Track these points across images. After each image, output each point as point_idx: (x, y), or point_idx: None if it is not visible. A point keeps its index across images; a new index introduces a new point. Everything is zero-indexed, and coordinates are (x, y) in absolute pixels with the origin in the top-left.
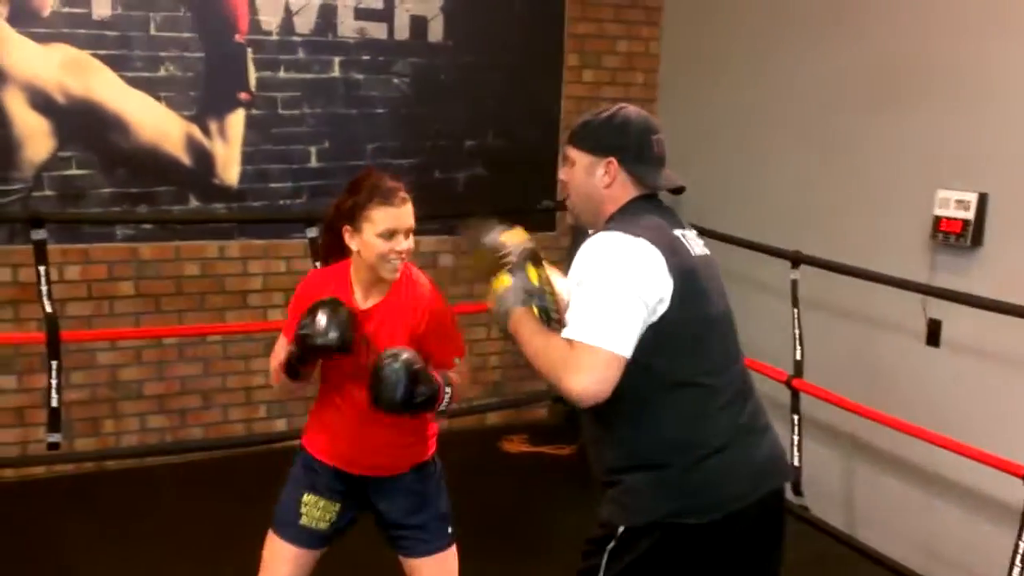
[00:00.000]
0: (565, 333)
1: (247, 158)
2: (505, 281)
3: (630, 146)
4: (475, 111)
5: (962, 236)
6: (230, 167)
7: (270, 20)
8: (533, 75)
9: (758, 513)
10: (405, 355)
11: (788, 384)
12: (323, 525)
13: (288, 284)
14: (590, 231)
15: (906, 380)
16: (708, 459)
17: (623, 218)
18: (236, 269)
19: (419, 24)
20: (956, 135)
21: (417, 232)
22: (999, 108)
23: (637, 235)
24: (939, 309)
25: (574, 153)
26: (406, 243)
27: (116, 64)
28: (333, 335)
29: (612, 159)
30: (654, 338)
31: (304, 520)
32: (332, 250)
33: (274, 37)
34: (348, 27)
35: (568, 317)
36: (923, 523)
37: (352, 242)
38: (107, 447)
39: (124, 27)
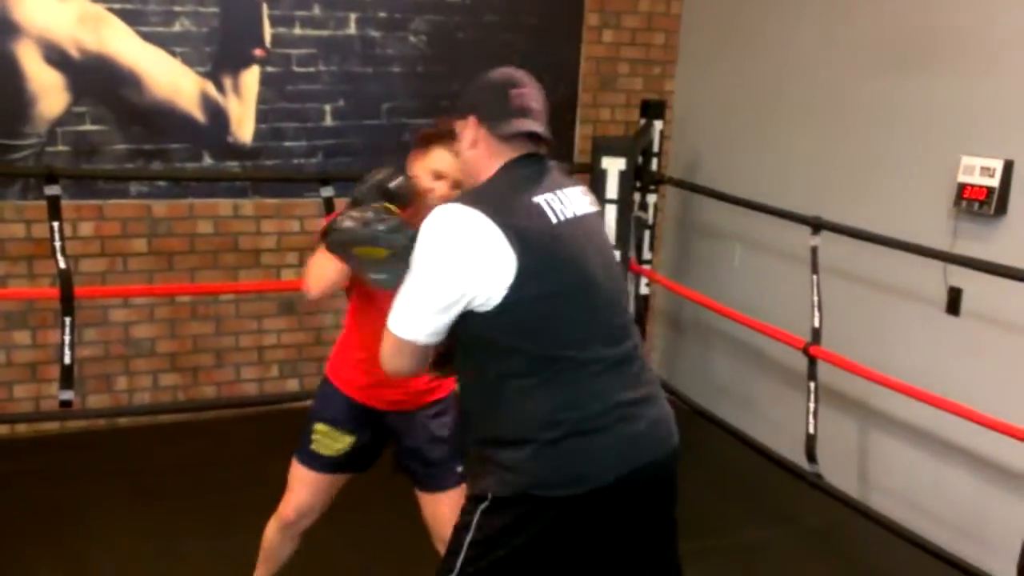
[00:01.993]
0: (388, 322)
1: (261, 116)
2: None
3: (487, 102)
4: (493, 71)
5: (986, 204)
6: (244, 125)
7: None
8: (552, 35)
9: (634, 485)
10: None
11: (805, 351)
12: (335, 453)
13: (302, 243)
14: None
15: (925, 348)
16: (573, 437)
17: (485, 184)
18: (250, 228)
19: None
20: (982, 101)
21: None
22: None
23: (476, 207)
24: (960, 277)
25: (455, 124)
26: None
27: (131, 19)
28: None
29: (471, 116)
30: (507, 317)
31: (315, 447)
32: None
33: None
34: None
35: (393, 302)
36: (938, 492)
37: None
38: (119, 404)
39: None
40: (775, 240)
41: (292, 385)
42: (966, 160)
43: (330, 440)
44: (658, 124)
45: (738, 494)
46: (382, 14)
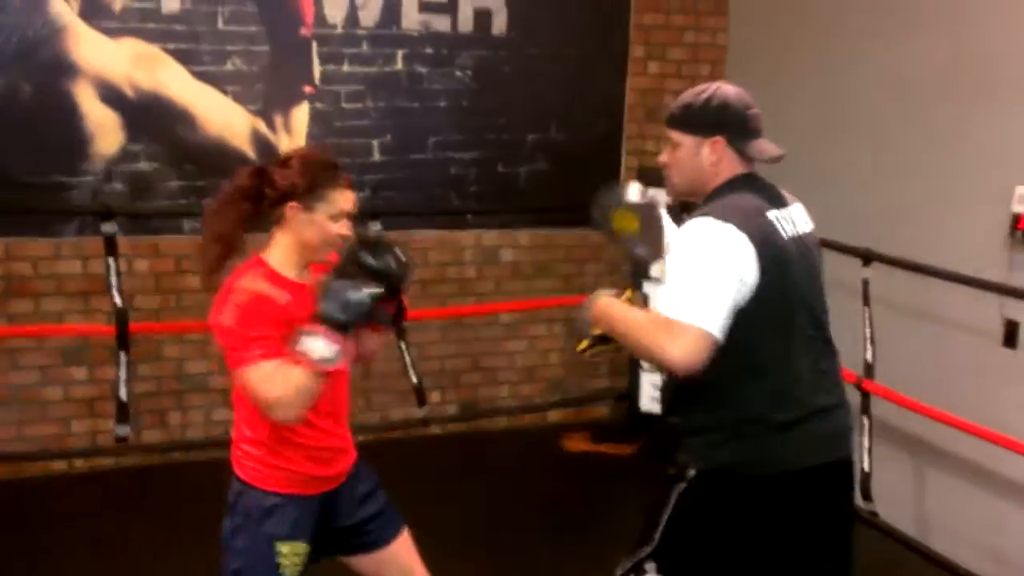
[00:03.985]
0: (664, 312)
1: None
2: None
3: (733, 124)
4: (538, 104)
5: None
6: None
7: (335, 13)
8: (597, 67)
9: (822, 477)
10: None
11: (858, 386)
12: (301, 566)
13: None
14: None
15: (981, 383)
16: (781, 430)
17: (719, 199)
18: None
19: (483, 17)
20: None
21: (478, 226)
22: None
23: (727, 220)
24: (1017, 310)
25: (677, 136)
26: (349, 229)
27: (184, 58)
28: (393, 262)
29: (719, 138)
30: (740, 321)
31: (285, 571)
32: (238, 226)
33: (338, 30)
34: (412, 20)
35: (664, 299)
36: (995, 530)
37: (295, 220)
38: (173, 439)
39: (192, 21)
40: (827, 272)
41: None
42: (1021, 190)
43: (296, 556)
44: None
45: None
46: (428, 50)
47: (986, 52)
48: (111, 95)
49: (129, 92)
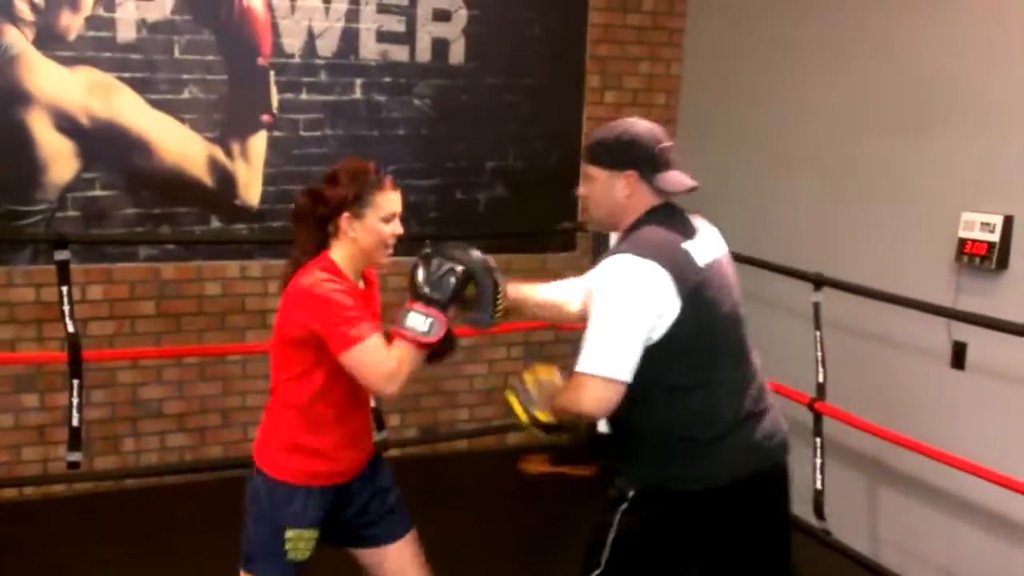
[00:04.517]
0: (577, 366)
1: (269, 179)
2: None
3: (643, 158)
4: (496, 132)
5: (987, 259)
6: (252, 188)
7: (293, 43)
8: (555, 96)
9: (755, 486)
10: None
11: (811, 407)
12: (310, 552)
13: None
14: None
15: (931, 403)
16: (707, 445)
17: (637, 232)
18: (257, 289)
19: (441, 46)
20: (981, 157)
21: None
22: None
23: (644, 256)
24: (964, 332)
25: (593, 171)
26: (400, 227)
27: (140, 87)
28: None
29: (631, 172)
30: (663, 353)
31: (292, 555)
32: (314, 243)
33: (297, 60)
34: (370, 49)
35: (581, 347)
36: (947, 547)
37: (350, 230)
38: (127, 465)
39: (149, 50)
40: (778, 296)
41: None
42: (966, 216)
43: (303, 542)
44: None
45: None
46: (387, 79)
47: (932, 83)
48: (66, 123)
49: (84, 120)
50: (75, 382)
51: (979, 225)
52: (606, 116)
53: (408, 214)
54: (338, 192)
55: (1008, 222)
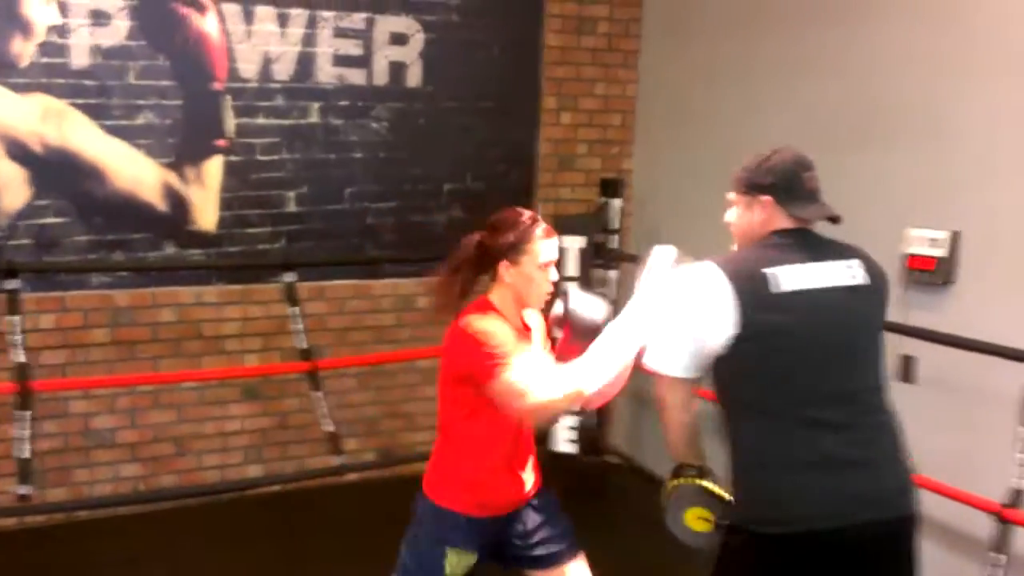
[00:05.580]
0: (645, 359)
1: (225, 204)
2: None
3: (780, 185)
4: (453, 154)
5: (935, 273)
6: (207, 213)
7: (248, 68)
8: (511, 118)
9: (849, 542)
10: None
11: None
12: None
13: (265, 328)
14: None
15: None
16: (772, 480)
17: (738, 251)
18: (212, 314)
19: (398, 70)
20: (928, 175)
21: (397, 275)
22: (971, 148)
23: (720, 265)
24: (913, 346)
25: (735, 197)
26: (556, 274)
27: (94, 113)
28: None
29: (767, 197)
30: (728, 367)
31: (450, 573)
32: (469, 286)
33: (252, 84)
34: (327, 73)
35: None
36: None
37: (507, 275)
38: (79, 497)
39: (102, 76)
40: None
41: (255, 471)
42: (914, 232)
43: (460, 566)
44: (617, 202)
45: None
46: (344, 102)
47: (879, 101)
48: (18, 151)
49: (37, 147)
50: (26, 414)
51: (927, 241)
52: (562, 137)
53: (365, 237)
54: (500, 242)
55: (955, 238)
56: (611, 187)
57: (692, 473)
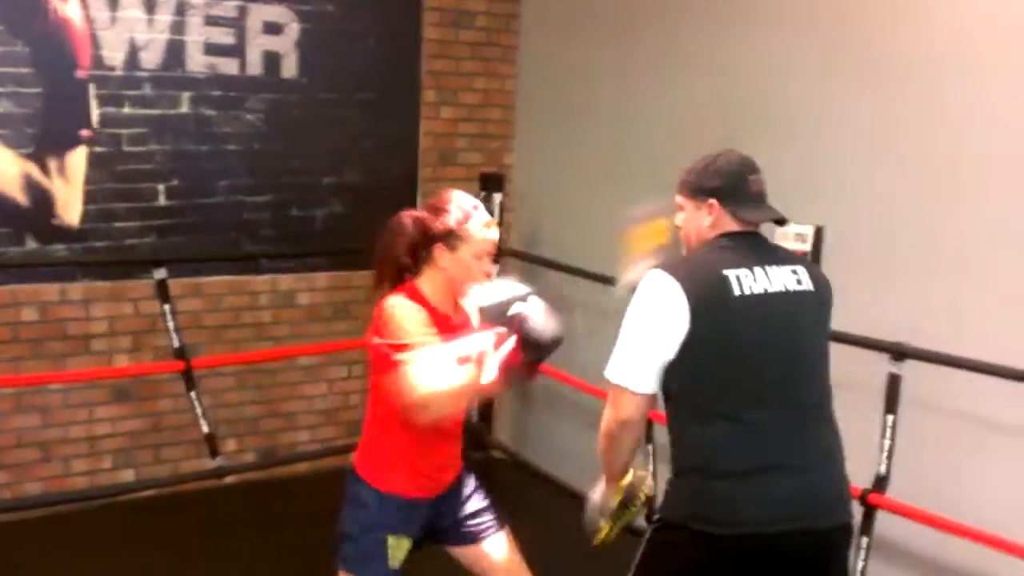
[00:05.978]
0: (605, 373)
1: (90, 197)
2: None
3: (726, 187)
4: (332, 147)
5: None
6: (71, 207)
7: (114, 55)
8: (391, 111)
9: (789, 546)
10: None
11: None
12: (402, 561)
13: (135, 326)
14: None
15: None
16: (720, 481)
17: (690, 255)
18: (78, 313)
19: (272, 60)
20: (791, 171)
21: (275, 270)
22: (833, 146)
23: (671, 273)
24: None
25: (681, 200)
26: (491, 266)
27: None
28: (556, 330)
29: (712, 201)
30: (679, 370)
31: (393, 562)
32: (404, 270)
33: (118, 72)
34: (197, 62)
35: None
36: None
37: (442, 260)
38: None
39: None
40: (619, 309)
41: (127, 476)
42: (780, 227)
43: (400, 551)
44: (498, 196)
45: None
46: (216, 92)
47: (745, 98)
48: None
49: None
50: None
51: (793, 235)
52: (442, 131)
53: (241, 232)
54: (432, 221)
55: (819, 232)
56: (492, 181)
57: (638, 505)
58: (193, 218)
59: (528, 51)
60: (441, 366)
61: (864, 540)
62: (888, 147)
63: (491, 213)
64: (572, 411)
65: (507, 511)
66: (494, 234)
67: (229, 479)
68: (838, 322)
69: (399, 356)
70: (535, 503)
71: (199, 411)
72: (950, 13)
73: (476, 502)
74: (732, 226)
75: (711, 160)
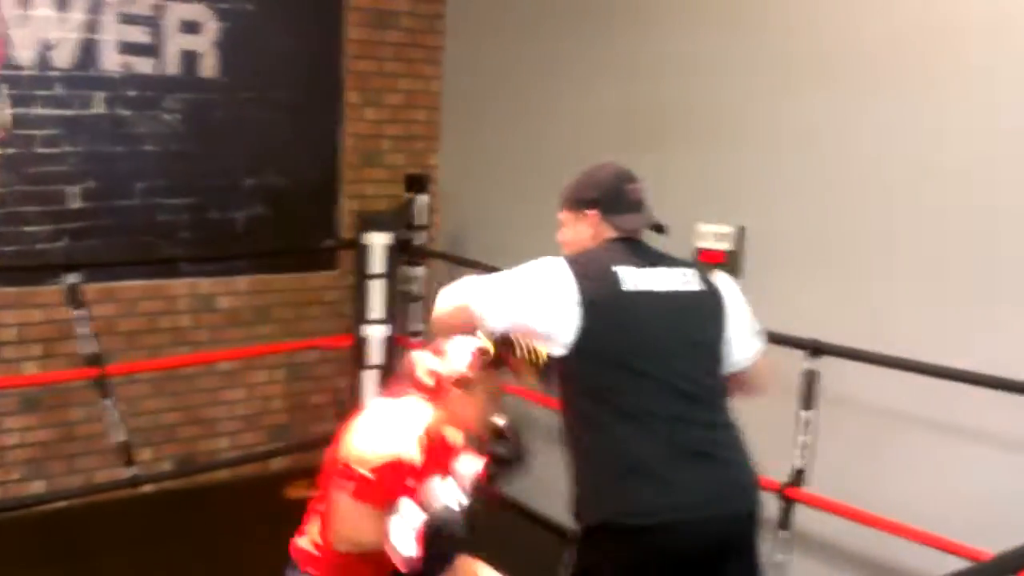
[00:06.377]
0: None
1: None
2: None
3: (604, 198)
4: (253, 149)
5: (724, 267)
6: None
7: (24, 54)
8: (313, 112)
9: (704, 534)
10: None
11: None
12: None
13: (46, 333)
14: None
15: None
16: (631, 476)
17: (582, 251)
18: None
19: (190, 59)
20: (713, 172)
21: (194, 274)
22: (753, 147)
23: (566, 260)
24: None
25: (562, 215)
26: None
27: None
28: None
29: (591, 211)
30: (579, 368)
31: None
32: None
33: (29, 72)
34: (112, 61)
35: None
36: None
37: (453, 399)
38: None
39: None
40: None
41: (38, 487)
42: (702, 227)
43: None
44: (423, 198)
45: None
46: (132, 92)
47: (667, 101)
48: None
49: None
50: None
51: (714, 235)
52: (367, 132)
53: (157, 235)
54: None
55: (740, 232)
56: (417, 183)
57: (522, 344)
58: (108, 221)
59: (453, 52)
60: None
61: (783, 534)
62: (808, 148)
63: (416, 215)
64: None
65: None
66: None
67: (146, 488)
68: (757, 319)
69: (355, 492)
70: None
71: (114, 419)
72: (871, 16)
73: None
74: (612, 234)
75: (588, 174)
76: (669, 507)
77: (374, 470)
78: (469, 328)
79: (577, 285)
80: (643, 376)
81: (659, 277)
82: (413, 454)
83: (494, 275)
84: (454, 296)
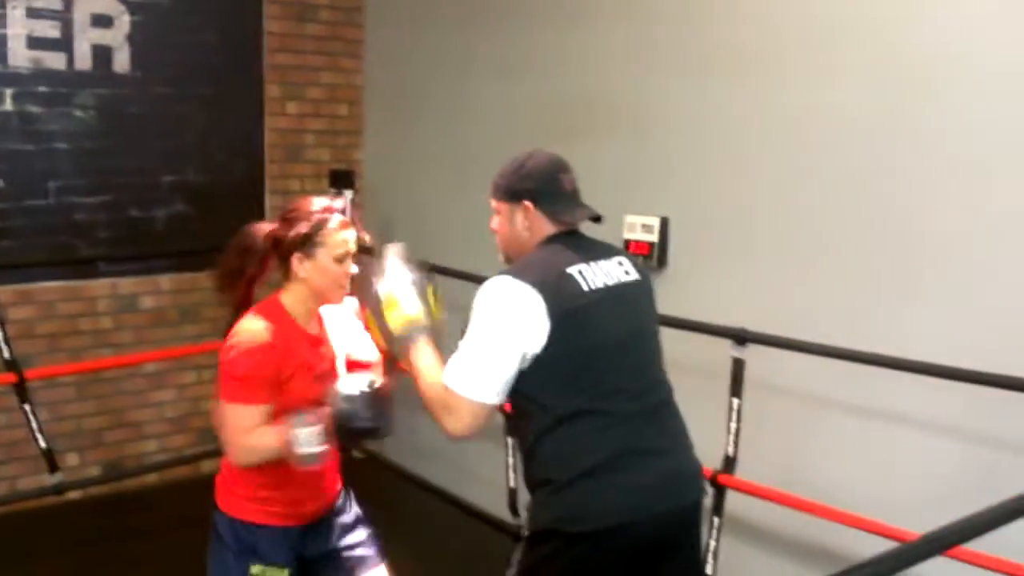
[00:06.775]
0: (444, 378)
1: None
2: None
3: (541, 188)
4: (172, 145)
5: (650, 257)
6: None
7: None
8: (233, 107)
9: (654, 529)
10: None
11: (503, 409)
12: None
13: None
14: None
15: None
16: (584, 478)
17: (529, 257)
18: None
19: (103, 54)
20: (640, 164)
21: (114, 274)
22: (676, 139)
23: (518, 278)
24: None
25: (496, 204)
26: (354, 266)
27: None
28: (374, 421)
29: (527, 202)
30: (536, 375)
31: None
32: (252, 282)
33: None
34: (20, 57)
35: (450, 361)
36: None
37: (301, 269)
38: None
39: None
40: (458, 301)
41: None
42: (629, 218)
43: None
44: (348, 193)
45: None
46: (43, 88)
47: (591, 94)
48: None
49: None
50: None
51: (640, 227)
52: (288, 127)
53: (74, 235)
54: (286, 231)
55: (664, 223)
56: (342, 178)
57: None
58: (21, 221)
59: (374, 45)
60: (264, 422)
61: (715, 520)
62: (730, 139)
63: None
64: None
65: (370, 512)
66: (351, 234)
67: (73, 495)
68: (684, 309)
69: (234, 394)
70: (399, 503)
71: (35, 425)
72: (786, 7)
73: (354, 534)
74: (550, 227)
75: (520, 164)
76: (622, 509)
77: (231, 364)
78: (483, 418)
79: (547, 309)
80: (597, 377)
81: (604, 270)
82: (263, 338)
83: (467, 346)
84: (446, 394)
